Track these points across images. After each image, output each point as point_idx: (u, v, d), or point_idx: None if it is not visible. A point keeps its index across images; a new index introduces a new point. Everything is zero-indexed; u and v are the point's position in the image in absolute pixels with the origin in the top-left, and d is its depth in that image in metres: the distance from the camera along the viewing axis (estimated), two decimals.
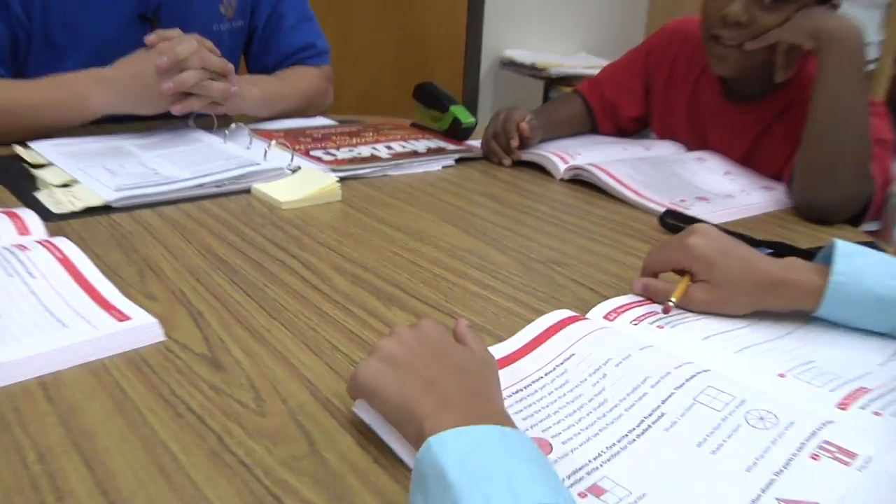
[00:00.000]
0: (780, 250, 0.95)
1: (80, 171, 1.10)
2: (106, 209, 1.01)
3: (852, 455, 0.51)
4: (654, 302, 0.81)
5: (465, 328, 0.62)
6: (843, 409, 0.60)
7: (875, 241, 1.04)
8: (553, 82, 2.73)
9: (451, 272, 0.89)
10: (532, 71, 2.80)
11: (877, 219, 1.32)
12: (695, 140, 1.50)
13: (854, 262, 0.75)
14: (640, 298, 0.82)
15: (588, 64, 2.86)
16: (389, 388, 0.54)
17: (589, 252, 0.99)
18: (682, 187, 1.26)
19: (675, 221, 1.09)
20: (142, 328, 0.68)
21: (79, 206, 0.99)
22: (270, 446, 0.55)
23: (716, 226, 1.00)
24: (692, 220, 1.08)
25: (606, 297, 0.82)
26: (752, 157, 1.40)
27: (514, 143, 1.37)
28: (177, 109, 1.28)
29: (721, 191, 1.28)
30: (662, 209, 1.14)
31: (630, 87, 1.58)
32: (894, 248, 1.05)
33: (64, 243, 0.81)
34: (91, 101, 1.26)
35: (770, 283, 0.77)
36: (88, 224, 0.96)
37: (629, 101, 1.58)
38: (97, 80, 1.26)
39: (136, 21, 1.41)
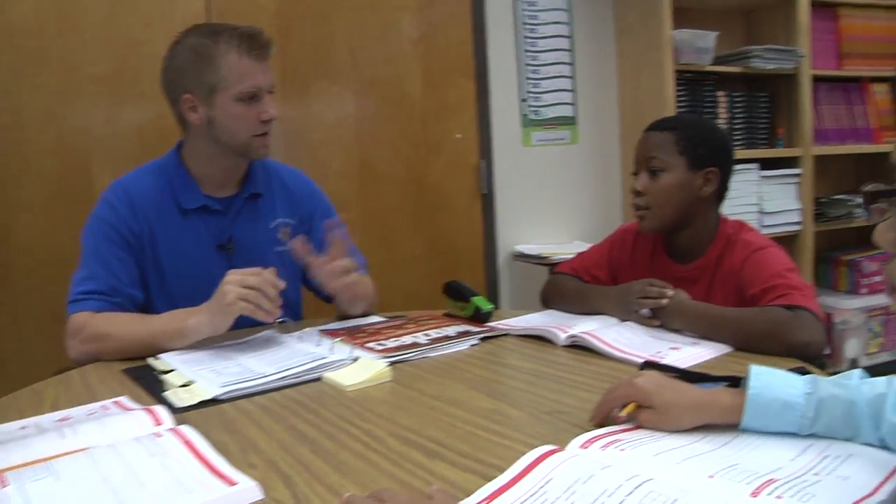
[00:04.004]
0: (733, 382, 0.98)
1: (195, 374, 1.20)
2: (214, 401, 1.09)
3: None
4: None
5: (434, 491, 0.69)
6: (754, 496, 0.66)
7: (803, 367, 1.08)
8: (555, 266, 2.82)
9: (479, 428, 0.94)
10: (539, 260, 2.91)
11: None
12: None
13: (762, 378, 0.86)
14: (616, 429, 0.88)
15: (580, 250, 2.96)
16: None
17: (583, 401, 1.03)
18: (656, 344, 1.32)
19: (650, 369, 1.14)
20: (245, 490, 0.75)
21: (195, 400, 1.08)
22: None
23: (674, 368, 1.08)
24: (668, 368, 1.13)
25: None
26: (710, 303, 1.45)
27: (668, 290, 1.41)
28: (261, 317, 1.36)
29: (689, 341, 1.33)
30: (639, 360, 1.20)
31: (598, 276, 1.69)
32: (839, 368, 1.10)
33: (186, 430, 0.89)
34: (188, 325, 1.37)
35: (697, 404, 0.88)
36: (203, 413, 1.04)
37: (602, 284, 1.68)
38: (191, 312, 1.39)
39: (217, 250, 1.57)
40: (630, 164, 3.17)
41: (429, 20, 2.85)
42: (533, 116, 3.09)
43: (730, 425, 0.87)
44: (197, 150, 1.57)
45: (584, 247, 3.13)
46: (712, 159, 1.50)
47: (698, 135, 1.51)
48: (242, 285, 1.33)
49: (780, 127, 3.19)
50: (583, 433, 0.88)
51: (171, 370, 1.25)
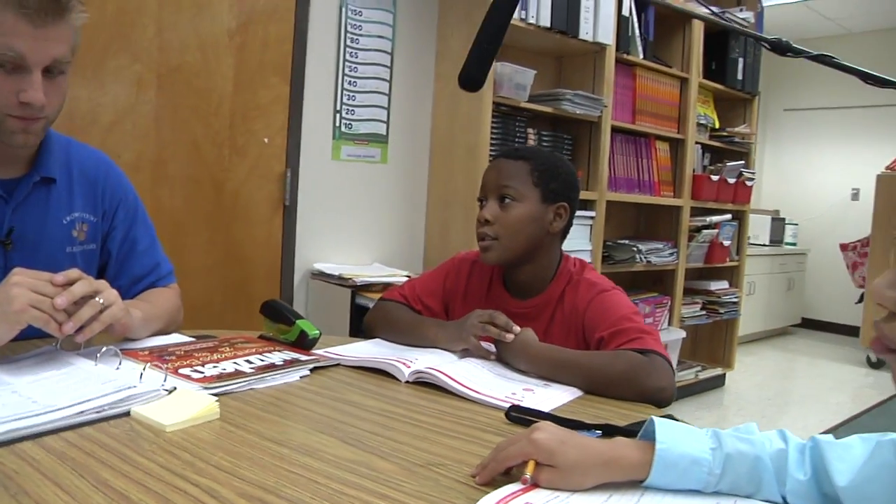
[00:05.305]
0: (607, 430, 0.97)
1: None
2: None
3: None
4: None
5: None
6: None
7: (671, 415, 1.06)
8: (358, 289, 2.69)
9: (347, 486, 0.78)
10: (339, 281, 2.76)
11: None
12: None
13: (670, 432, 0.80)
14: (518, 489, 0.78)
15: (381, 273, 2.87)
16: None
17: (456, 450, 0.91)
18: (508, 385, 1.23)
19: (518, 415, 1.05)
20: None
21: None
22: None
23: (556, 417, 0.99)
24: (534, 413, 1.05)
25: (486, 492, 0.76)
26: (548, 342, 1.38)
27: (514, 327, 1.32)
28: (67, 329, 1.07)
29: (538, 382, 1.26)
30: (499, 403, 1.11)
31: (430, 306, 1.58)
32: None
33: None
34: None
35: (604, 462, 0.79)
36: None
37: (434, 314, 1.58)
38: None
39: None
40: (439, 191, 3.15)
41: (249, 10, 2.62)
42: (345, 129, 2.95)
43: (631, 480, 0.80)
44: None
45: (384, 270, 3.06)
46: (564, 195, 1.46)
47: (553, 168, 1.46)
48: (34, 289, 1.05)
49: (580, 170, 3.32)
50: (481, 495, 0.76)
51: None
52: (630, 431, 0.97)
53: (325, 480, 0.79)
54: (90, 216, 1.39)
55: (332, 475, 0.81)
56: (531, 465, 0.79)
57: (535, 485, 0.79)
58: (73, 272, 1.11)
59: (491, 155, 2.93)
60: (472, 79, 1.19)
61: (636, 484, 0.80)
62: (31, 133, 1.22)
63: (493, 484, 0.80)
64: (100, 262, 1.43)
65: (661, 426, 0.81)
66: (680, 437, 0.80)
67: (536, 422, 1.01)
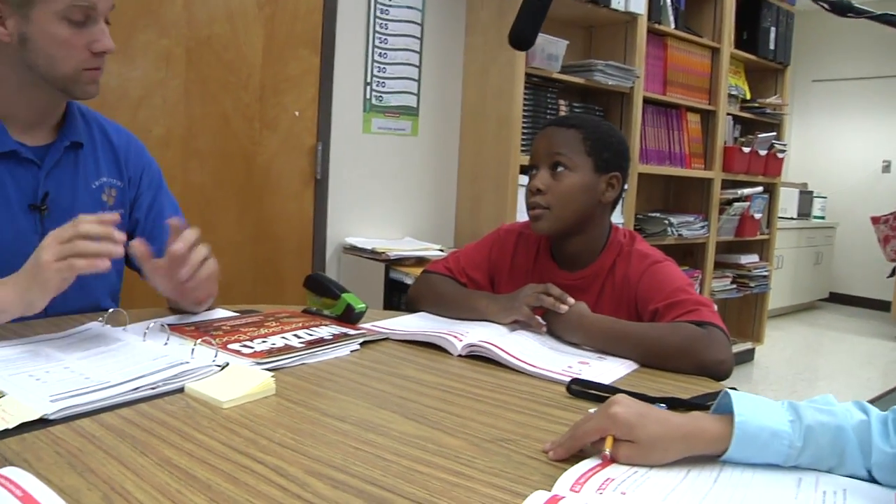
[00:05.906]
0: (672, 403, 0.93)
1: (5, 381, 0.87)
2: (41, 422, 0.78)
3: None
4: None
5: None
6: None
7: (734, 387, 1.02)
8: (392, 263, 2.65)
9: (417, 462, 0.74)
10: (372, 255, 2.72)
11: None
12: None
13: (747, 404, 0.76)
14: (595, 464, 0.74)
15: (414, 247, 2.83)
16: None
17: (522, 425, 0.88)
18: (562, 358, 1.19)
19: (580, 388, 1.01)
20: None
21: (12, 422, 0.76)
22: None
23: (618, 390, 0.96)
24: (596, 386, 1.01)
25: (561, 468, 0.73)
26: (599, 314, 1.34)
27: (569, 298, 1.29)
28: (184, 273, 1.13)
29: (592, 355, 1.22)
30: (556, 376, 1.08)
31: (475, 278, 1.54)
32: None
33: (18, 475, 0.60)
34: None
35: (683, 436, 0.76)
36: (27, 442, 0.73)
37: (479, 287, 1.53)
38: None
39: (28, 210, 1.23)
40: (470, 164, 3.09)
41: None
42: (375, 102, 2.90)
43: (709, 456, 0.77)
44: (2, 78, 1.20)
45: (416, 244, 3.02)
46: (616, 164, 1.41)
47: (605, 137, 1.41)
48: (59, 241, 1.01)
49: None
50: (556, 471, 0.73)
51: None
52: (696, 405, 0.94)
53: (395, 457, 0.75)
54: (117, 181, 1.38)
55: (400, 452, 0.77)
56: (609, 441, 0.75)
57: (612, 460, 0.75)
58: (175, 220, 1.16)
59: (523, 127, 2.87)
60: (523, 36, 1.15)
61: (714, 459, 0.76)
62: (97, 83, 1.26)
63: (566, 460, 0.76)
64: (127, 229, 1.40)
65: (738, 399, 0.77)
66: (758, 409, 0.76)
67: (599, 395, 0.98)
